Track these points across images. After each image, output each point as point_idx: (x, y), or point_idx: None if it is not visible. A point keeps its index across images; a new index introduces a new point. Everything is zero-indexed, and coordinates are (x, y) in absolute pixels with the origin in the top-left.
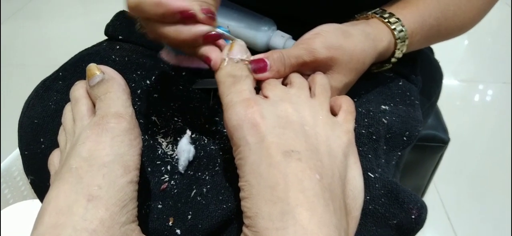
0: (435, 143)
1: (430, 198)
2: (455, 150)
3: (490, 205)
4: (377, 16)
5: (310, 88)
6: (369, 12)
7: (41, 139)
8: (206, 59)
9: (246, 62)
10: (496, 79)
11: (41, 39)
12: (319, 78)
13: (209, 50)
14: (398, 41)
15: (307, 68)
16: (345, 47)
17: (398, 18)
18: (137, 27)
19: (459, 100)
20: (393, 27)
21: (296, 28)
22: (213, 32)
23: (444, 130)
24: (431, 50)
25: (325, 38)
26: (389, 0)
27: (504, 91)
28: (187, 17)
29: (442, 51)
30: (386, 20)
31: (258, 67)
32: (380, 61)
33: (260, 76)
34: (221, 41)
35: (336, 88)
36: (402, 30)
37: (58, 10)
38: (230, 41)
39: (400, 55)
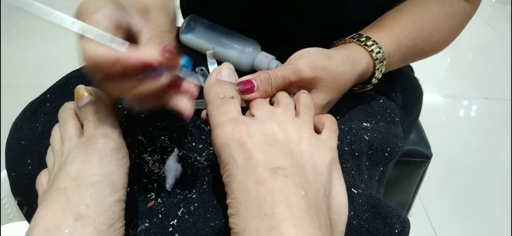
0: (417, 158)
1: (416, 213)
2: (441, 165)
3: (476, 219)
4: (355, 40)
5: (295, 107)
6: (347, 38)
7: (28, 161)
8: (178, 114)
9: (234, 83)
10: (478, 95)
11: (28, 60)
12: (303, 97)
13: (177, 103)
14: (377, 62)
15: (293, 87)
16: (328, 68)
17: (374, 41)
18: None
19: (444, 116)
20: (370, 49)
21: (280, 49)
22: (181, 78)
23: (427, 145)
24: (410, 68)
25: (310, 59)
26: (367, 24)
27: (486, 106)
28: (150, 70)
29: (425, 68)
30: (363, 44)
31: (245, 88)
32: (361, 82)
33: (248, 96)
34: (190, 86)
35: (320, 105)
36: (379, 52)
37: (47, 32)
38: (202, 80)
39: (380, 76)
